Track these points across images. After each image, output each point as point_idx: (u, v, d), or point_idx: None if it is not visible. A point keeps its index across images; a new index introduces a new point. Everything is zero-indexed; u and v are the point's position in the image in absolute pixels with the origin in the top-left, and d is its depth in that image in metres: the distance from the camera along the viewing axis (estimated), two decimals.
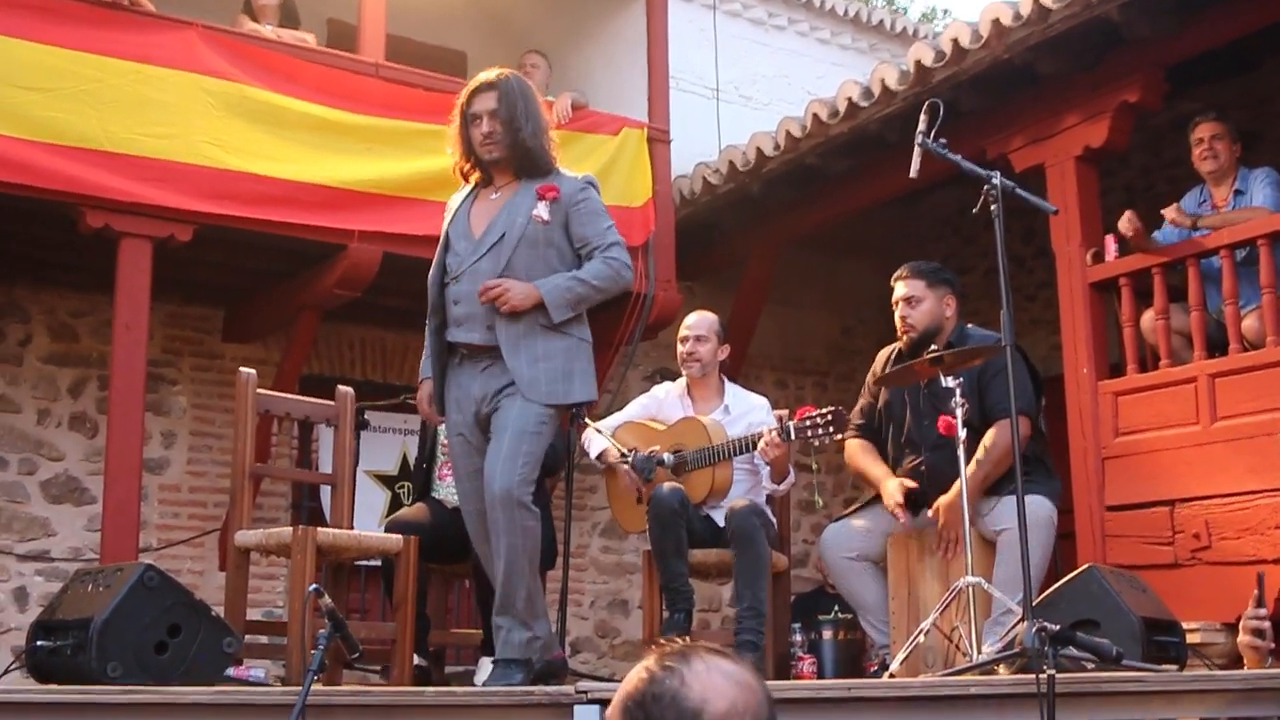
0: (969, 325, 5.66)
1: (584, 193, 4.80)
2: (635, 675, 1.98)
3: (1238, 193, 6.48)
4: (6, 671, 5.34)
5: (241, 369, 5.65)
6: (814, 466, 7.02)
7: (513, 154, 4.76)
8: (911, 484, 5.40)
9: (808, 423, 5.56)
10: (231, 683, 4.88)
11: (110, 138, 6.69)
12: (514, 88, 4.76)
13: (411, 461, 7.49)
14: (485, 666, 5.56)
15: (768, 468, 5.79)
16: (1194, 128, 6.59)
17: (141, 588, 4.50)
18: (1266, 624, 4.39)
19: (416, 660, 5.69)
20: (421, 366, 5.01)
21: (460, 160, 4.88)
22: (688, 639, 2.06)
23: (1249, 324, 6.12)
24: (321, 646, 3.74)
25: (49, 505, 7.83)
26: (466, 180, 4.94)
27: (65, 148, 6.58)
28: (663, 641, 2.03)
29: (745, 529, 5.50)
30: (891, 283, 5.68)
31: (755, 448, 5.61)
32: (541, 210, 4.69)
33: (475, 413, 4.73)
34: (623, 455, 5.70)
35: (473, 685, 5.56)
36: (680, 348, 6.10)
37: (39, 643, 4.63)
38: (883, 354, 5.81)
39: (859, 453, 5.73)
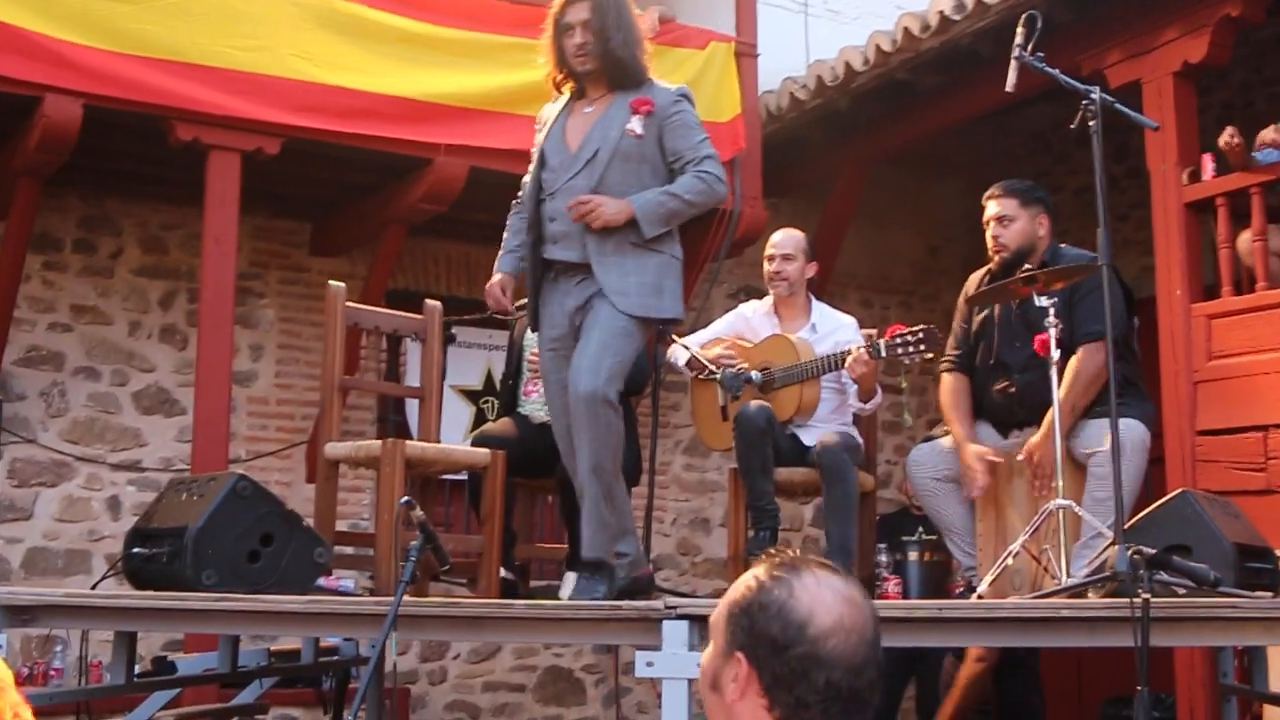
0: (1062, 245, 5.57)
1: (678, 105, 4.75)
2: (743, 583, 1.97)
3: None
4: (104, 578, 5.46)
5: (331, 282, 5.67)
6: (903, 385, 6.97)
7: (606, 65, 4.72)
8: (997, 458, 5.31)
9: (898, 341, 5.50)
10: (323, 592, 4.96)
11: (199, 50, 6.72)
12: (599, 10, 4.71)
13: (497, 377, 7.52)
14: (570, 580, 5.59)
15: (855, 386, 5.75)
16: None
17: (235, 497, 4.58)
18: None
19: (503, 573, 5.74)
20: (498, 262, 4.97)
21: (553, 70, 4.85)
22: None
23: None
24: (413, 558, 3.78)
25: (140, 416, 7.95)
26: (560, 91, 4.91)
27: (155, 60, 6.61)
28: (773, 551, 2.02)
29: (836, 465, 5.47)
30: (983, 201, 5.59)
31: (843, 365, 5.56)
32: (635, 124, 4.66)
33: (569, 325, 4.74)
34: (711, 370, 5.68)
35: (558, 599, 5.60)
36: (767, 266, 6.04)
37: (135, 550, 4.73)
38: (974, 276, 5.71)
39: (950, 398, 5.59)
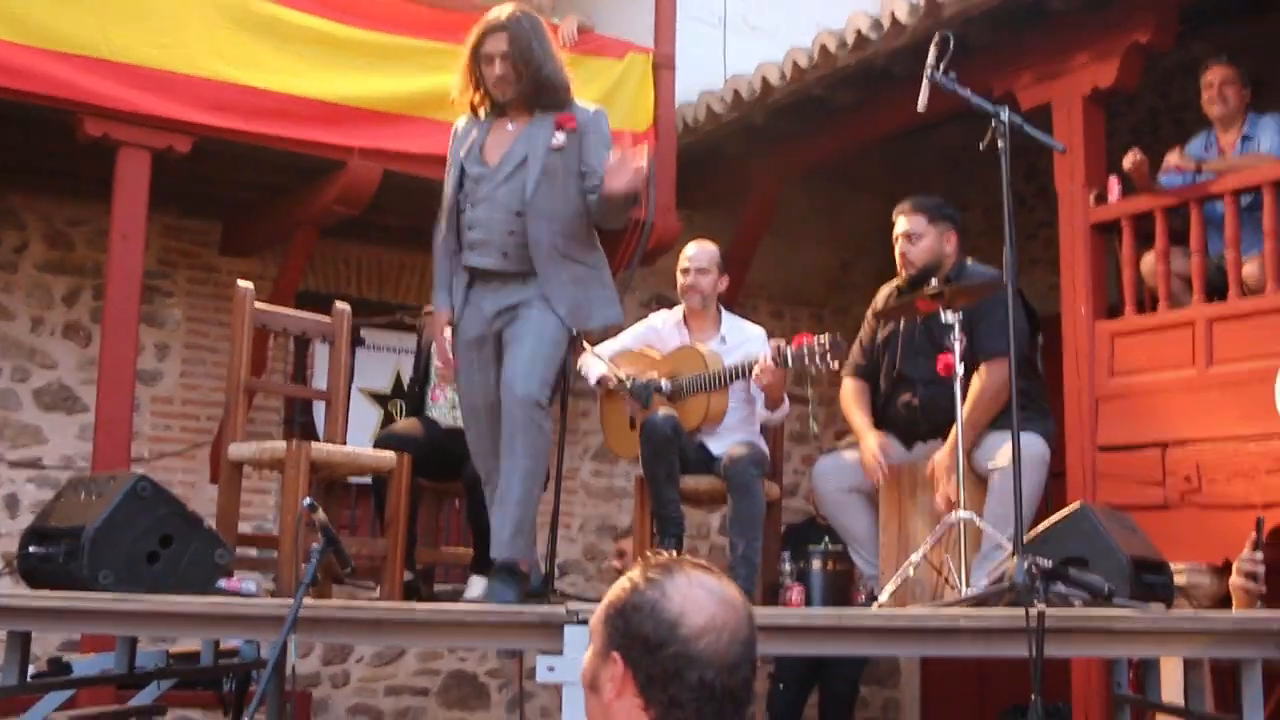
0: (969, 261, 5.65)
1: (597, 121, 4.83)
2: (619, 585, 2.00)
3: (1245, 138, 6.44)
4: None
5: (239, 282, 5.63)
6: (811, 394, 7.03)
7: (527, 92, 4.77)
8: (894, 448, 5.40)
9: (805, 349, 5.55)
10: (224, 594, 4.91)
11: (111, 46, 6.62)
12: (525, 29, 4.75)
13: (405, 380, 7.49)
14: (475, 584, 5.58)
15: (762, 396, 5.79)
16: (1204, 71, 6.55)
17: (134, 497, 4.52)
18: (1261, 568, 4.41)
19: (405, 575, 5.73)
20: (435, 298, 4.99)
21: (471, 94, 4.87)
22: None
23: (1250, 270, 6.10)
24: (315, 561, 3.75)
25: (41, 413, 7.82)
26: (476, 113, 4.92)
27: (65, 54, 6.51)
28: (649, 554, 2.04)
29: (743, 479, 5.52)
30: (893, 217, 5.66)
31: (750, 374, 5.61)
32: (559, 138, 4.71)
33: (487, 329, 4.78)
34: (620, 381, 5.71)
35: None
36: (681, 278, 6.08)
37: (31, 549, 4.65)
38: (884, 290, 5.79)
39: (851, 397, 5.74)
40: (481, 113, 4.92)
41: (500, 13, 4.79)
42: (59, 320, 7.90)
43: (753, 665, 1.98)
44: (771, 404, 5.84)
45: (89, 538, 4.39)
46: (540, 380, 4.61)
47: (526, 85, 4.75)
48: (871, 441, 5.44)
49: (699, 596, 1.96)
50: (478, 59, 4.79)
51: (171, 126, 6.77)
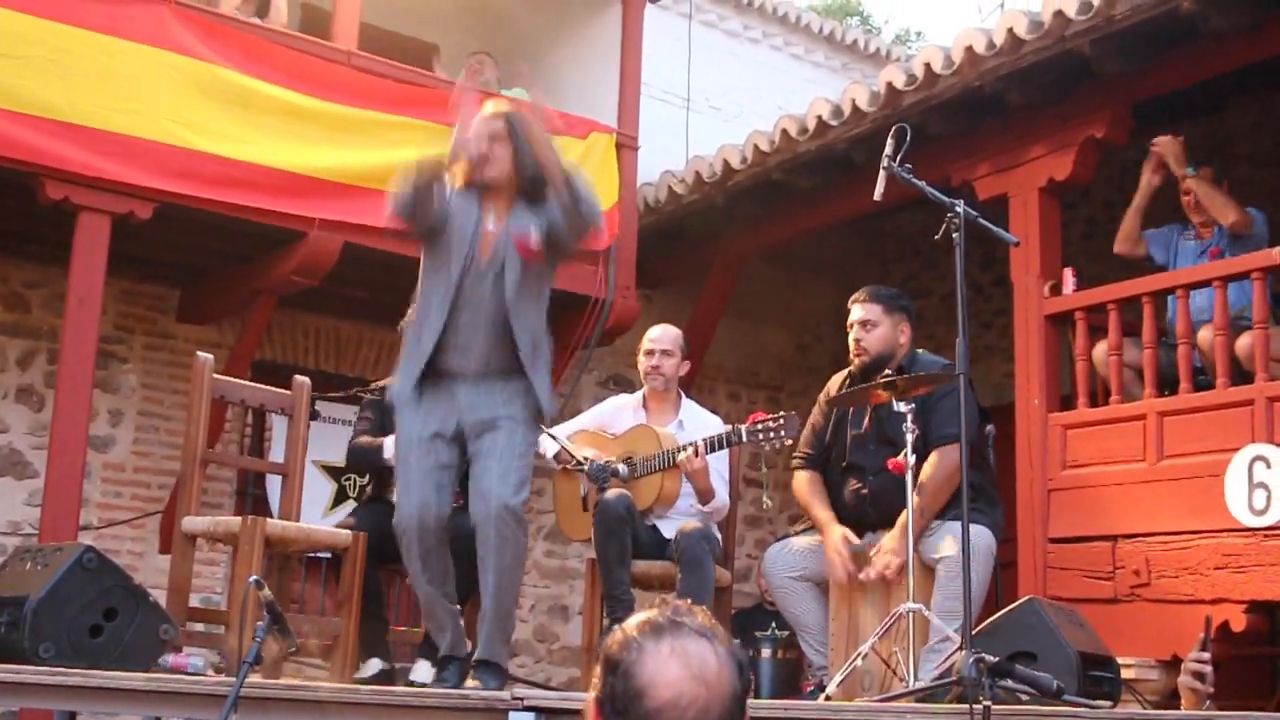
0: (920, 351, 5.69)
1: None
2: (621, 631, 1.98)
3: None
4: None
5: (199, 353, 5.61)
6: (764, 473, 7.03)
7: (520, 185, 4.67)
8: (855, 539, 5.38)
9: (759, 427, 5.57)
10: (167, 671, 4.84)
11: (75, 109, 6.62)
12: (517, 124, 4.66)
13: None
14: (422, 668, 5.54)
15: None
16: (1182, 181, 6.63)
17: (79, 569, 4.47)
18: (1208, 668, 4.42)
19: (380, 665, 5.68)
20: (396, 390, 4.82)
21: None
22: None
23: (1203, 335, 6.16)
24: (258, 639, 3.72)
25: None
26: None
27: (28, 116, 6.50)
28: (664, 600, 2.02)
29: (693, 553, 5.49)
30: (849, 304, 5.70)
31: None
32: (534, 238, 4.61)
33: (454, 429, 4.64)
34: (578, 462, 5.70)
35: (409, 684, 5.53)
36: (644, 360, 6.08)
37: None
38: (835, 379, 5.81)
39: (807, 487, 5.67)
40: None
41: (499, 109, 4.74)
42: (12, 383, 7.85)
43: None
44: (701, 496, 5.76)
45: (32, 608, 4.33)
46: (520, 491, 4.55)
47: (521, 182, 4.65)
48: (836, 536, 5.39)
49: (671, 670, 1.91)
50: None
51: (133, 192, 6.76)
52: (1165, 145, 6.62)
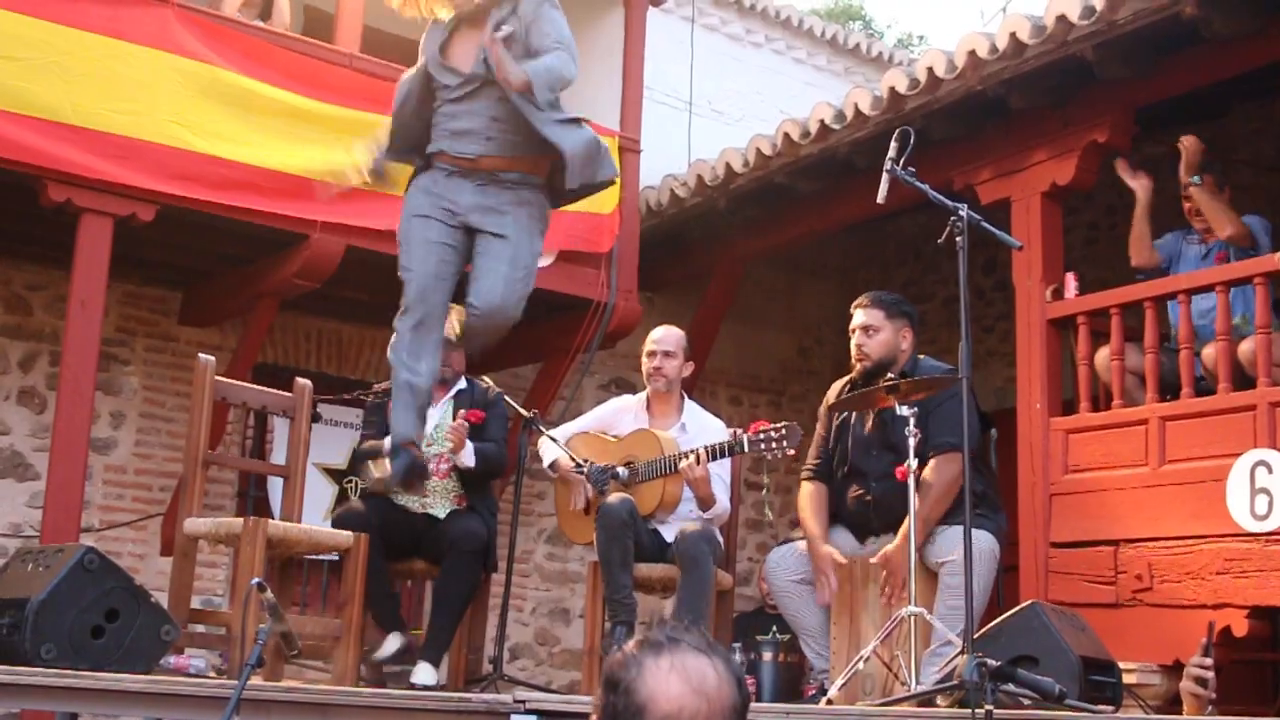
0: (922, 356, 5.68)
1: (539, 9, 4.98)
2: (620, 651, 1.98)
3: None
4: None
5: (200, 355, 5.61)
6: (766, 482, 7.02)
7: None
8: (841, 559, 5.38)
9: (761, 436, 5.56)
10: (169, 672, 4.85)
11: (77, 112, 6.61)
12: None
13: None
14: (423, 670, 5.55)
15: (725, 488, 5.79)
16: (1185, 189, 6.62)
17: (81, 570, 4.47)
18: (1210, 674, 4.41)
19: (399, 641, 5.70)
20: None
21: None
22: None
23: (1209, 351, 6.16)
24: (260, 642, 3.72)
25: None
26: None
27: (31, 119, 6.49)
28: (665, 620, 2.04)
29: (694, 553, 5.48)
30: (851, 309, 5.69)
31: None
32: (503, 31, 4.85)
33: (455, 217, 4.92)
34: (577, 466, 5.70)
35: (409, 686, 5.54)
36: (647, 362, 6.08)
37: None
38: (836, 385, 5.81)
39: (807, 502, 5.66)
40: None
41: None
42: (14, 385, 7.85)
43: None
44: (702, 504, 5.76)
45: (33, 610, 4.34)
46: (517, 299, 4.84)
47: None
48: (822, 555, 5.41)
49: (672, 684, 1.93)
50: None
51: (135, 194, 6.75)
52: (1190, 145, 6.57)
